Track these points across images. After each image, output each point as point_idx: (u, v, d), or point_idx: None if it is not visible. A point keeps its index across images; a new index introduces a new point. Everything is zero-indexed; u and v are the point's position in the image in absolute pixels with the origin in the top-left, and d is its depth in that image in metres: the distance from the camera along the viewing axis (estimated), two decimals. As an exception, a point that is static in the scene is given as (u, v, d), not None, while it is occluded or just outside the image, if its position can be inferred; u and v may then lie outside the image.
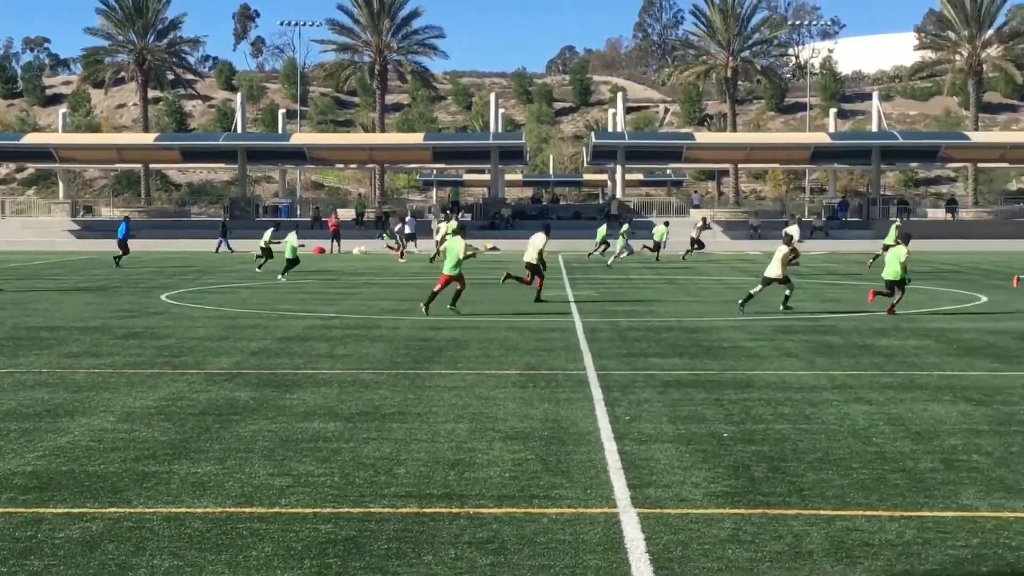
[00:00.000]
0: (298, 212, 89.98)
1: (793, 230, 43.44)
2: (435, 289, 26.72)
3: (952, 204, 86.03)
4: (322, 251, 64.29)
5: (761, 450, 11.93)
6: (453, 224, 56.12)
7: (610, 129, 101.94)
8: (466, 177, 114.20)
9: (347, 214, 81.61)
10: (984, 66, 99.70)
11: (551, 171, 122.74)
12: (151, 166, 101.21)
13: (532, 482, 10.58)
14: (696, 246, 57.67)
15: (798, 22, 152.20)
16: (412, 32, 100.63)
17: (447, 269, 26.17)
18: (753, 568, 8.13)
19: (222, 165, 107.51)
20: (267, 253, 43.85)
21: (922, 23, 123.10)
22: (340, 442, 12.36)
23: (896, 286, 26.52)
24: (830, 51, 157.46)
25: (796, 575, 8.00)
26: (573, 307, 28.69)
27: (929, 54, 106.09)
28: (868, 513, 9.54)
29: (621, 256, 53.59)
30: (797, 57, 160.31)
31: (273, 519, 9.37)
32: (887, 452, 11.88)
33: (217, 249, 64.84)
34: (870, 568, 8.15)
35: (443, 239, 54.27)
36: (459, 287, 26.41)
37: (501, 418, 13.72)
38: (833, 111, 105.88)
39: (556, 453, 11.79)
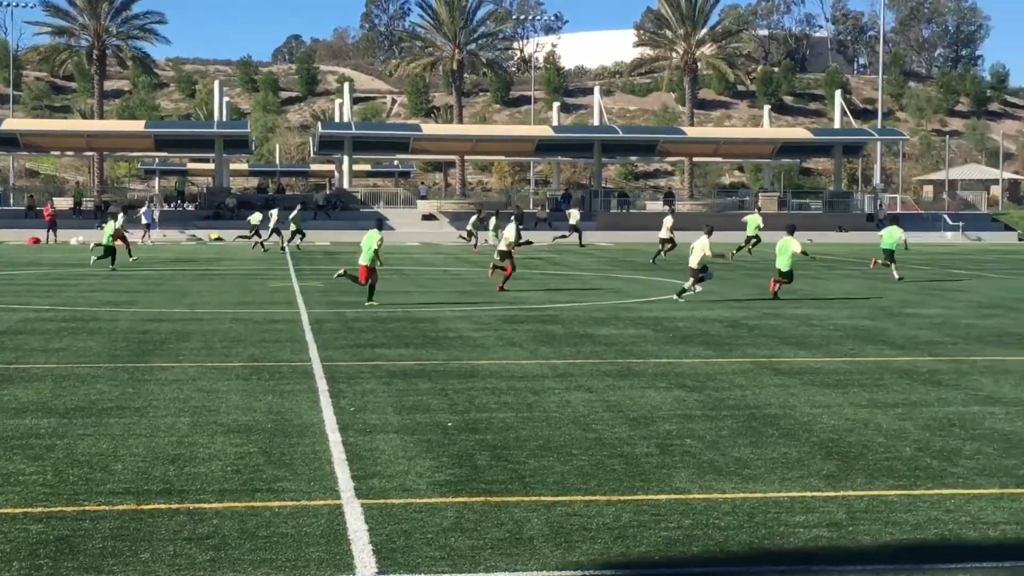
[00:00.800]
0: (11, 201, 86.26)
1: (668, 221, 46.42)
2: (371, 283, 26.52)
3: (669, 197, 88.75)
4: (37, 241, 61.96)
5: (484, 439, 12.08)
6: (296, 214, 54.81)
7: (337, 119, 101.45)
8: (190, 166, 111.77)
9: (64, 203, 78.71)
10: (699, 64, 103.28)
11: (278, 161, 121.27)
12: None
13: (255, 475, 10.44)
14: (574, 232, 60.17)
15: (522, 16, 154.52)
16: (132, 16, 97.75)
17: (364, 261, 26.17)
18: (475, 556, 8.22)
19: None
20: (110, 250, 40.09)
21: (641, 21, 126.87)
22: (54, 439, 11.94)
23: (785, 275, 28.58)
24: (554, 46, 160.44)
25: (516, 561, 8.13)
26: (299, 298, 28.45)
27: (647, 51, 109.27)
28: (587, 498, 9.77)
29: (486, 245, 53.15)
30: (522, 51, 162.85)
31: (-20, 521, 8.98)
32: (606, 438, 12.19)
33: None
34: (587, 552, 8.34)
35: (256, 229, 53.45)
36: (366, 279, 26.47)
37: (224, 411, 13.50)
38: (556, 105, 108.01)
39: (280, 446, 11.67)
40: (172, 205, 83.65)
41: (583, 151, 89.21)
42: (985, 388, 15.60)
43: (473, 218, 57.41)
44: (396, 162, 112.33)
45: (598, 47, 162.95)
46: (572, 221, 61.02)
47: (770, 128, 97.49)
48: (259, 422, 12.88)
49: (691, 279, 28.24)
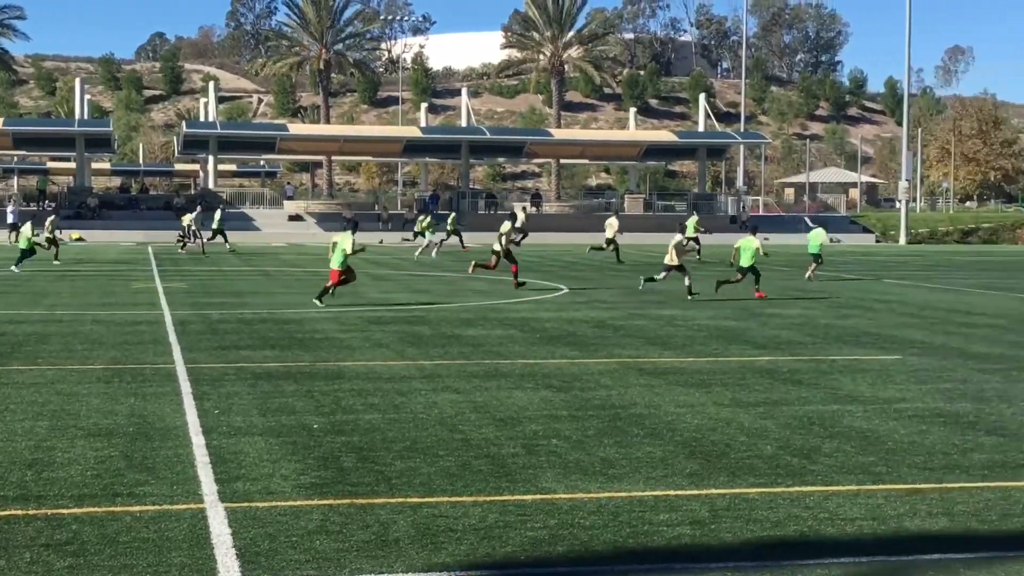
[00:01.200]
0: None
1: (613, 222, 47.39)
2: (327, 285, 26.56)
3: (537, 198, 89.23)
4: None
5: (351, 440, 12.01)
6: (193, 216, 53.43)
7: (202, 119, 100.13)
8: (51, 165, 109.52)
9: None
10: (565, 66, 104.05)
11: (141, 160, 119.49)
12: None
13: (115, 480, 10.25)
14: (521, 235, 58.86)
15: (390, 17, 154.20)
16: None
17: (335, 265, 26.11)
18: (340, 559, 8.17)
19: None
20: (32, 251, 39.29)
21: (509, 23, 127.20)
22: (-95, 445, 11.60)
23: (744, 272, 29.66)
24: (422, 47, 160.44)
25: (382, 563, 8.09)
26: (163, 299, 28.03)
27: (515, 53, 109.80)
28: (453, 499, 9.77)
29: (430, 248, 52.34)
30: (390, 52, 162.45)
31: None
32: (472, 439, 12.20)
33: None
34: (453, 553, 8.34)
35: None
36: (348, 279, 26.57)
37: (84, 415, 13.23)
38: (424, 106, 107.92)
39: (142, 449, 11.47)
40: (33, 205, 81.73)
41: (451, 152, 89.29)
42: (843, 387, 15.94)
43: (423, 218, 57.00)
44: (262, 162, 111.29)
45: (466, 48, 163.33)
46: (518, 223, 60.12)
47: (636, 131, 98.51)
48: (120, 425, 12.65)
49: (663, 272, 29.77)
